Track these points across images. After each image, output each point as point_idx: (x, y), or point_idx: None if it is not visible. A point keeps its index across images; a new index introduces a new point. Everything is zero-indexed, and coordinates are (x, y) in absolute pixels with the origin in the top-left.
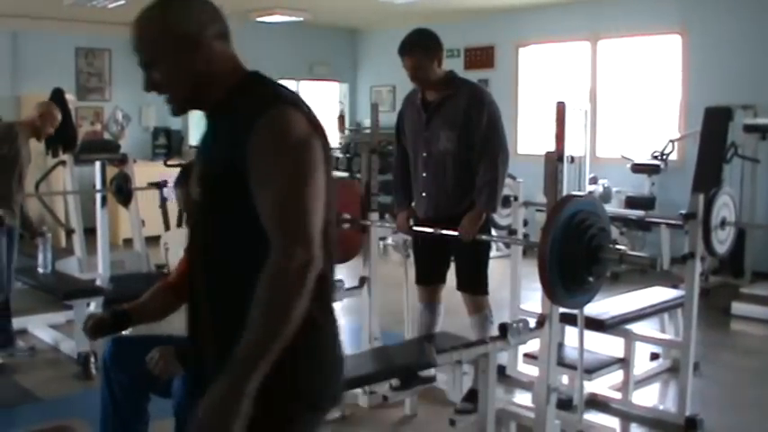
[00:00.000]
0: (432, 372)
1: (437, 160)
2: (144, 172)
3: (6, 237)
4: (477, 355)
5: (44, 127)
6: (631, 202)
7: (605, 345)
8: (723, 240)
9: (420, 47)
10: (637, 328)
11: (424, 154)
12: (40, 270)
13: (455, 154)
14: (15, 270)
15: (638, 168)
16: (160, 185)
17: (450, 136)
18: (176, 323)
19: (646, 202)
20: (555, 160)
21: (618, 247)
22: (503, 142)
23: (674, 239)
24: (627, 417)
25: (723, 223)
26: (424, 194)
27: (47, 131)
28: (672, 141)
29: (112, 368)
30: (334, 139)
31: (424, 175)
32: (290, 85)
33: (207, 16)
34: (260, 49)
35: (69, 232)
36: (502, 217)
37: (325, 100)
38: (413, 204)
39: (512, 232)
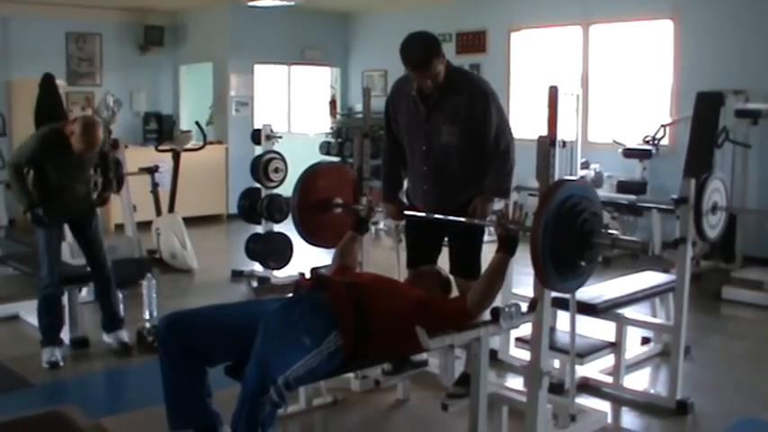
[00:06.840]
0: (424, 356)
1: (439, 154)
2: (135, 157)
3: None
4: (469, 340)
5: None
6: (623, 187)
7: (597, 329)
8: (714, 225)
9: (432, 56)
10: (628, 312)
11: (424, 147)
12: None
13: (459, 147)
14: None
15: (629, 153)
16: (151, 171)
17: (452, 130)
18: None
19: (637, 187)
20: (547, 145)
21: (609, 231)
22: (510, 132)
23: (666, 224)
24: (618, 400)
25: (714, 208)
26: (425, 187)
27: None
28: (663, 126)
29: (167, 338)
30: (326, 124)
31: (425, 168)
32: (282, 69)
33: None
34: (252, 34)
35: None
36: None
37: (316, 84)
38: (403, 190)
39: None
